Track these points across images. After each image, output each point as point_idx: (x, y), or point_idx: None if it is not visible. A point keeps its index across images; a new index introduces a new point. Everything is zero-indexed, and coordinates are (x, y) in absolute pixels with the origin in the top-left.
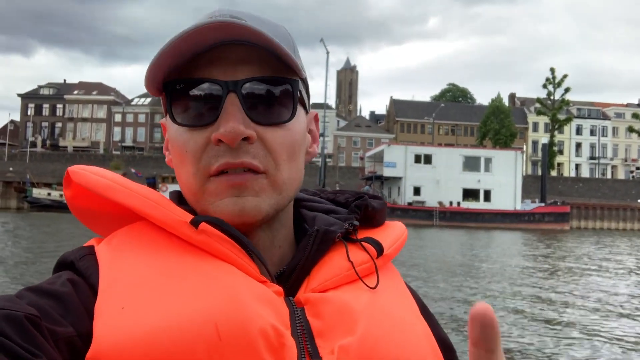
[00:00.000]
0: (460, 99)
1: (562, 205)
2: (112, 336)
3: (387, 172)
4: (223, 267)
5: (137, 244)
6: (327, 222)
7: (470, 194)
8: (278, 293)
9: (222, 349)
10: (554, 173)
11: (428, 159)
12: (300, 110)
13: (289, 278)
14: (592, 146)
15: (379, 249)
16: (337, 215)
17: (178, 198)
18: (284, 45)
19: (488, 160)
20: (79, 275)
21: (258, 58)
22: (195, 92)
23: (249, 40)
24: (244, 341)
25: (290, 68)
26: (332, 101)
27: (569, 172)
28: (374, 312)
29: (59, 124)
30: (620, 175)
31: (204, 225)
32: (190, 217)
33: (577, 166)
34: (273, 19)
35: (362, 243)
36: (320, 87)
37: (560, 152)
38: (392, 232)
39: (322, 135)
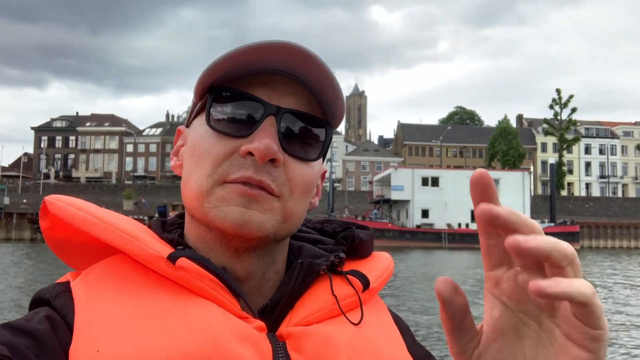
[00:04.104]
0: (467, 121)
1: (572, 225)
2: None
3: (394, 196)
4: (202, 305)
5: (113, 280)
6: (312, 254)
7: None
8: (260, 329)
9: None
10: (564, 193)
11: (435, 182)
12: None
13: (273, 312)
14: (602, 165)
15: (365, 282)
16: (323, 246)
17: (162, 226)
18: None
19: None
20: (57, 312)
21: (304, 95)
22: (239, 103)
23: (311, 74)
24: None
25: (325, 115)
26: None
27: (579, 191)
28: (358, 347)
29: (71, 156)
30: (631, 193)
31: (182, 261)
32: (168, 250)
33: (588, 185)
34: None
35: (348, 276)
36: None
37: (570, 171)
38: (378, 264)
39: (329, 160)
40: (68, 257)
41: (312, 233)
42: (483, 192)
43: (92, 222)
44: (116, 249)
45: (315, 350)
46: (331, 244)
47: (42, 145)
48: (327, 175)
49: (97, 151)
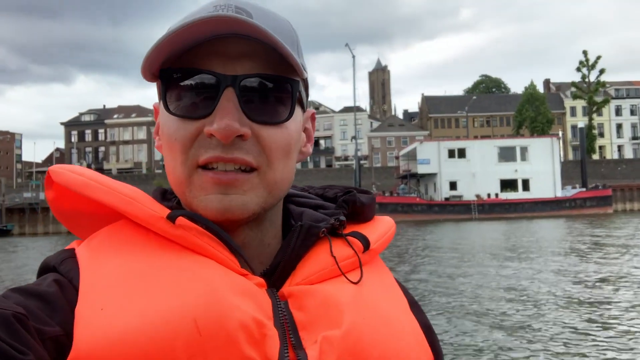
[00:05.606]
0: (493, 89)
1: (604, 189)
2: (91, 338)
3: (421, 170)
4: (201, 261)
5: (116, 244)
6: (314, 218)
7: (508, 184)
8: (260, 285)
9: (203, 345)
10: (595, 157)
11: (462, 153)
12: (297, 109)
13: (274, 273)
14: (634, 126)
15: (365, 243)
16: (325, 210)
17: (162, 195)
18: (287, 43)
19: (524, 149)
20: (63, 277)
21: (260, 54)
22: (191, 82)
23: (253, 36)
24: (223, 334)
25: (292, 67)
26: (365, 102)
27: (611, 154)
28: (360, 305)
29: (102, 148)
30: None
31: (181, 220)
32: (168, 212)
33: (620, 148)
34: (279, 13)
35: (348, 238)
36: (352, 90)
37: (601, 134)
38: (379, 227)
39: (354, 137)
40: (76, 227)
41: (314, 199)
42: None
43: (93, 186)
44: (118, 215)
45: (317, 307)
46: (332, 209)
47: (72, 140)
48: (311, 149)
49: (126, 142)
